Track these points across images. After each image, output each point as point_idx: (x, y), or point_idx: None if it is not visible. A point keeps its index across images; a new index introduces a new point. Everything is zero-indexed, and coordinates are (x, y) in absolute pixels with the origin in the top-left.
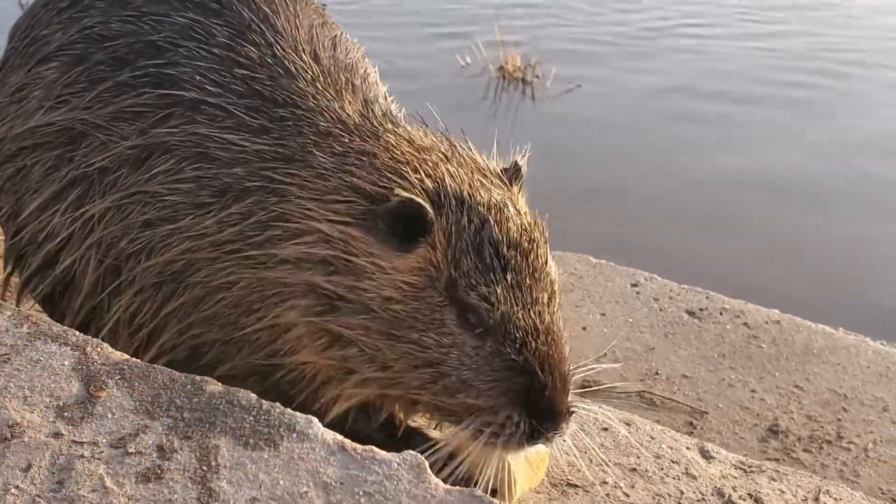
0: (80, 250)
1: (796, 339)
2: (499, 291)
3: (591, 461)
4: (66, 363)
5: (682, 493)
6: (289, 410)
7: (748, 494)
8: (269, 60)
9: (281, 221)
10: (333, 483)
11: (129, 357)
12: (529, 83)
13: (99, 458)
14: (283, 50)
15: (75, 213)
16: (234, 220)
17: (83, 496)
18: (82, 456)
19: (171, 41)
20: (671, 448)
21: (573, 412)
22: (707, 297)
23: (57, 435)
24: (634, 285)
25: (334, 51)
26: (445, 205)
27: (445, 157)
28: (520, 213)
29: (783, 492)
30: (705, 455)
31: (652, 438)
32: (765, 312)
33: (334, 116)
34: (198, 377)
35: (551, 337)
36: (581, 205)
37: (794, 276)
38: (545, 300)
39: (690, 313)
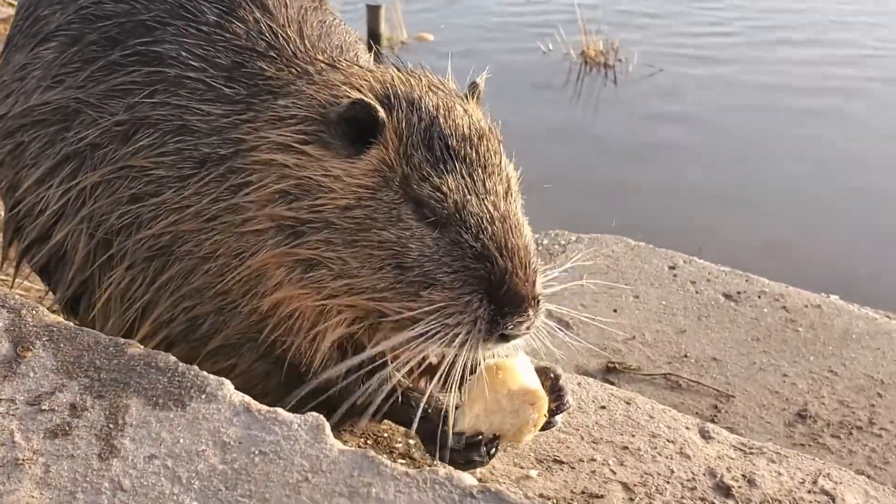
0: (71, 224)
1: (836, 323)
2: (450, 181)
3: (583, 438)
4: (0, 325)
5: (672, 472)
6: (203, 373)
7: (742, 475)
8: (253, 35)
9: (249, 176)
10: (232, 442)
11: (61, 320)
12: (611, 67)
13: (13, 415)
14: (270, 26)
15: (68, 187)
16: (212, 188)
17: None
18: None
19: (160, 20)
20: (669, 427)
21: (539, 300)
22: (746, 281)
23: None
24: (672, 268)
25: (321, 30)
26: (395, 105)
27: (398, 71)
28: (469, 114)
29: (780, 474)
30: (704, 435)
31: (651, 417)
32: (805, 296)
33: (301, 69)
34: (122, 340)
35: (509, 224)
36: (653, 184)
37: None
38: (501, 192)
39: (727, 296)
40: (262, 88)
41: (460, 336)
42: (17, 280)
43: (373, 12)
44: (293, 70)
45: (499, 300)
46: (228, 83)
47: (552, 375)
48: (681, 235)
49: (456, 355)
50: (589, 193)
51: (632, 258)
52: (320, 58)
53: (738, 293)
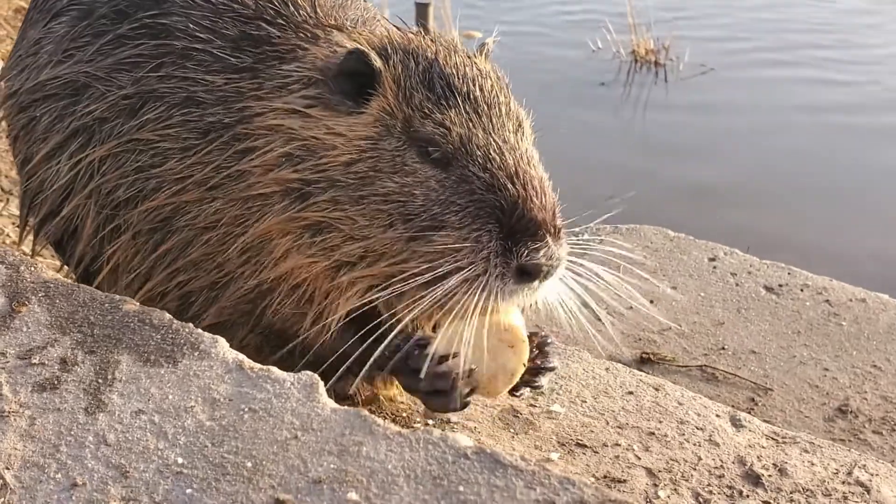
0: (80, 198)
1: (881, 317)
2: (453, 115)
3: (608, 423)
4: None
5: (699, 459)
6: (197, 330)
7: (773, 464)
8: (262, 4)
9: (254, 142)
10: (222, 399)
11: (59, 277)
12: (662, 66)
13: (2, 368)
14: None
15: (76, 161)
16: (215, 156)
17: None
18: None
19: None
20: (699, 415)
21: (560, 230)
22: (789, 273)
23: None
24: (712, 259)
25: (336, 1)
26: (392, 55)
27: (399, 30)
28: (472, 60)
29: (813, 464)
30: (735, 423)
31: (679, 404)
32: (850, 290)
33: (310, 34)
34: (118, 297)
35: (520, 154)
36: (701, 181)
37: None
38: (510, 127)
39: (768, 289)
40: (269, 55)
41: (475, 278)
42: (46, 259)
43: (421, 10)
44: (301, 35)
45: (512, 228)
46: (235, 52)
47: (542, 335)
48: (727, 233)
49: (474, 303)
50: (633, 188)
51: (671, 249)
52: (330, 23)
53: (780, 286)
